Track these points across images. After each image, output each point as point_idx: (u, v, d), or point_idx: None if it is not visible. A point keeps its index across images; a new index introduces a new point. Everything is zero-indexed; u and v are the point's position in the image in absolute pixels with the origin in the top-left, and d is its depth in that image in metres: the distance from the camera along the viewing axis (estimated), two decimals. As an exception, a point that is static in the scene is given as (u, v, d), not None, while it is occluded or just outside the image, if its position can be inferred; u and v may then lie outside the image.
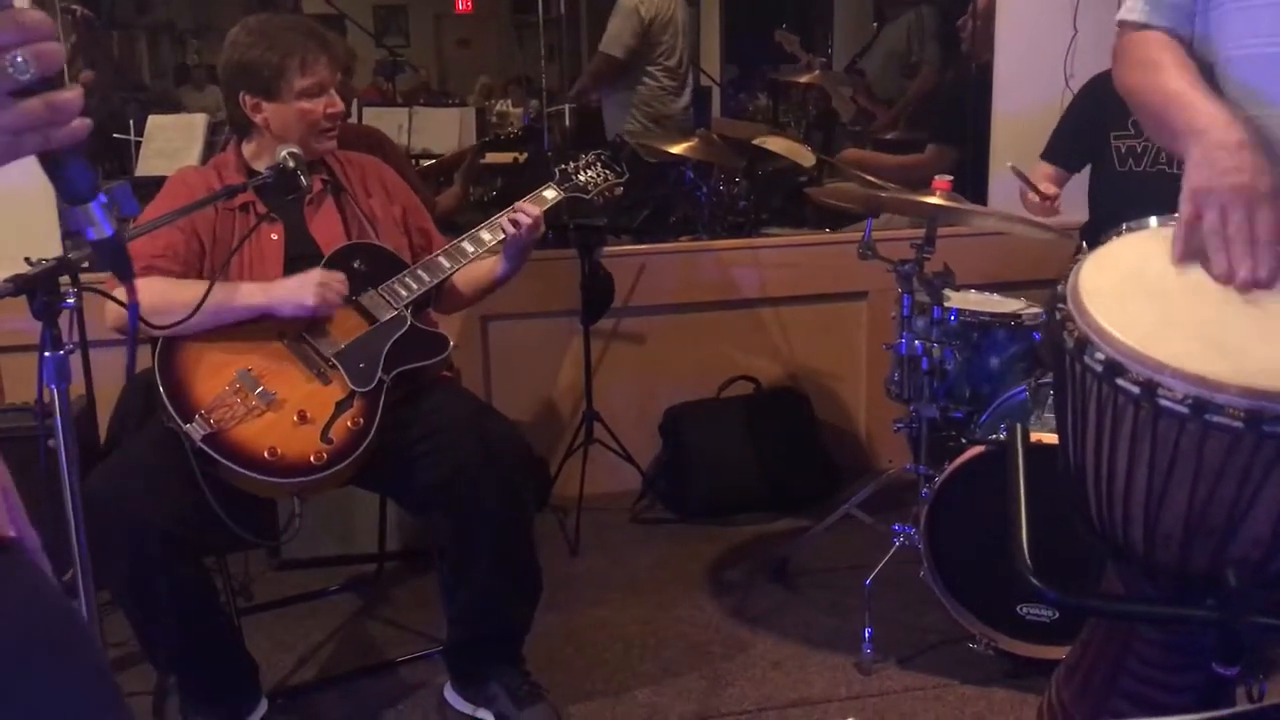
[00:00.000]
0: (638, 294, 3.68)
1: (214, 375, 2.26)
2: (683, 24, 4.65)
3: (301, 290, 2.30)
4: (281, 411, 2.24)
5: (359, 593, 3.14)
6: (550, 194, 2.66)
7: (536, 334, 3.67)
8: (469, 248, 2.53)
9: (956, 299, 2.97)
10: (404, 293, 2.43)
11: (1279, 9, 1.53)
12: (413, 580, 3.18)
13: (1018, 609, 2.57)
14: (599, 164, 2.77)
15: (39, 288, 1.70)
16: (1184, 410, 1.25)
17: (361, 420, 2.27)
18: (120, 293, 2.25)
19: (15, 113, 0.95)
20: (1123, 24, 1.72)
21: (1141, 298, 1.38)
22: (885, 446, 3.88)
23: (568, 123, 5.02)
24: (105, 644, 2.69)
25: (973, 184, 3.90)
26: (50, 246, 3.25)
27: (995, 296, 3.13)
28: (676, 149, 4.00)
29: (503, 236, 2.53)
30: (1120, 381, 1.30)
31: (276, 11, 4.13)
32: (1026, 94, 3.76)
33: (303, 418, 2.24)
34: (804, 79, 5.25)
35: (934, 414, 2.84)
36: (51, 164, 1.04)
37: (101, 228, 1.12)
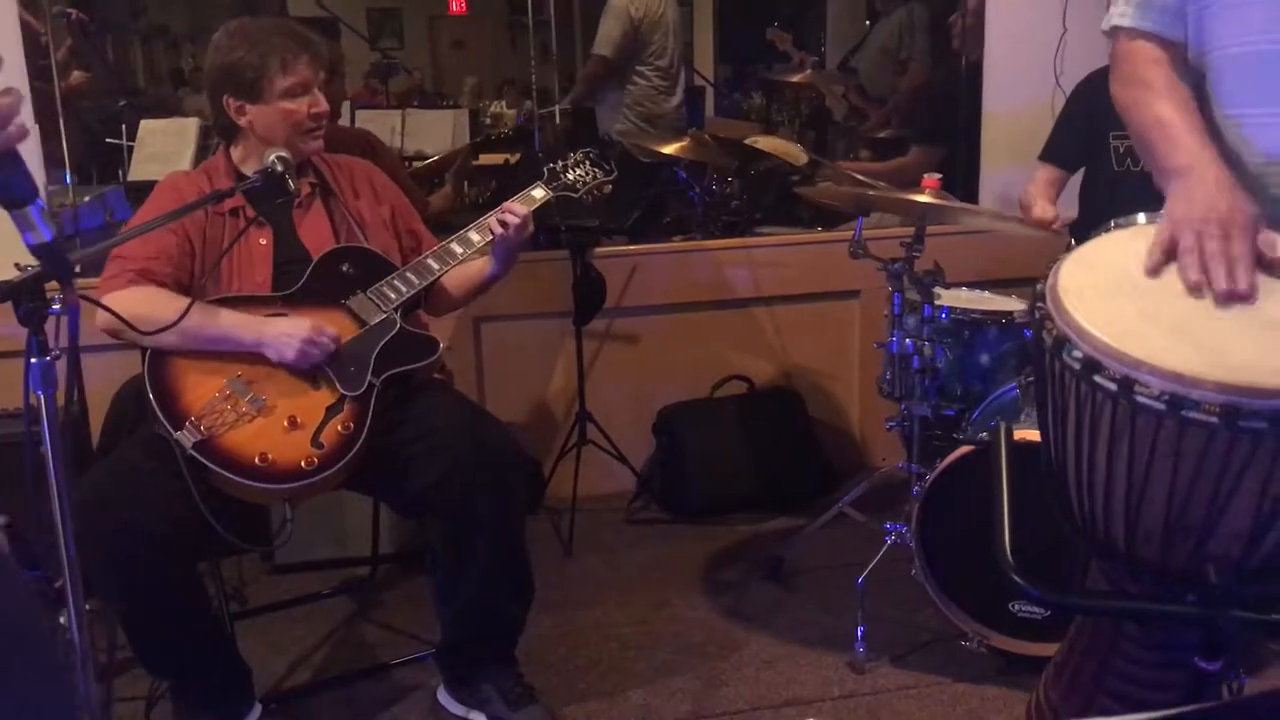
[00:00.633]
0: (630, 294, 3.68)
1: (204, 382, 2.26)
2: (673, 24, 4.66)
3: (286, 343, 2.28)
4: (272, 417, 2.25)
5: (352, 596, 3.14)
6: (538, 193, 2.66)
7: (529, 335, 3.67)
8: (458, 249, 2.53)
9: (947, 297, 2.98)
10: (393, 295, 2.44)
11: (1267, 7, 1.54)
12: (406, 583, 3.19)
13: (1010, 606, 2.58)
14: (587, 162, 2.77)
15: (24, 294, 1.70)
16: (1161, 406, 1.26)
17: (352, 424, 2.28)
18: (108, 299, 2.27)
19: None
20: (1114, 30, 1.72)
21: (1120, 295, 1.39)
22: (879, 445, 3.88)
23: (559, 124, 5.02)
24: (97, 649, 2.70)
25: (963, 182, 3.90)
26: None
27: (986, 294, 3.14)
28: (669, 149, 4.02)
29: (491, 237, 2.53)
30: (1098, 378, 1.31)
31: (262, 15, 4.14)
32: (1016, 93, 3.77)
33: (293, 423, 2.25)
34: (796, 78, 5.25)
35: (926, 412, 2.84)
36: None
37: (40, 231, 1.12)
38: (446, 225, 3.21)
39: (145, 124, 3.91)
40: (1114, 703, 1.63)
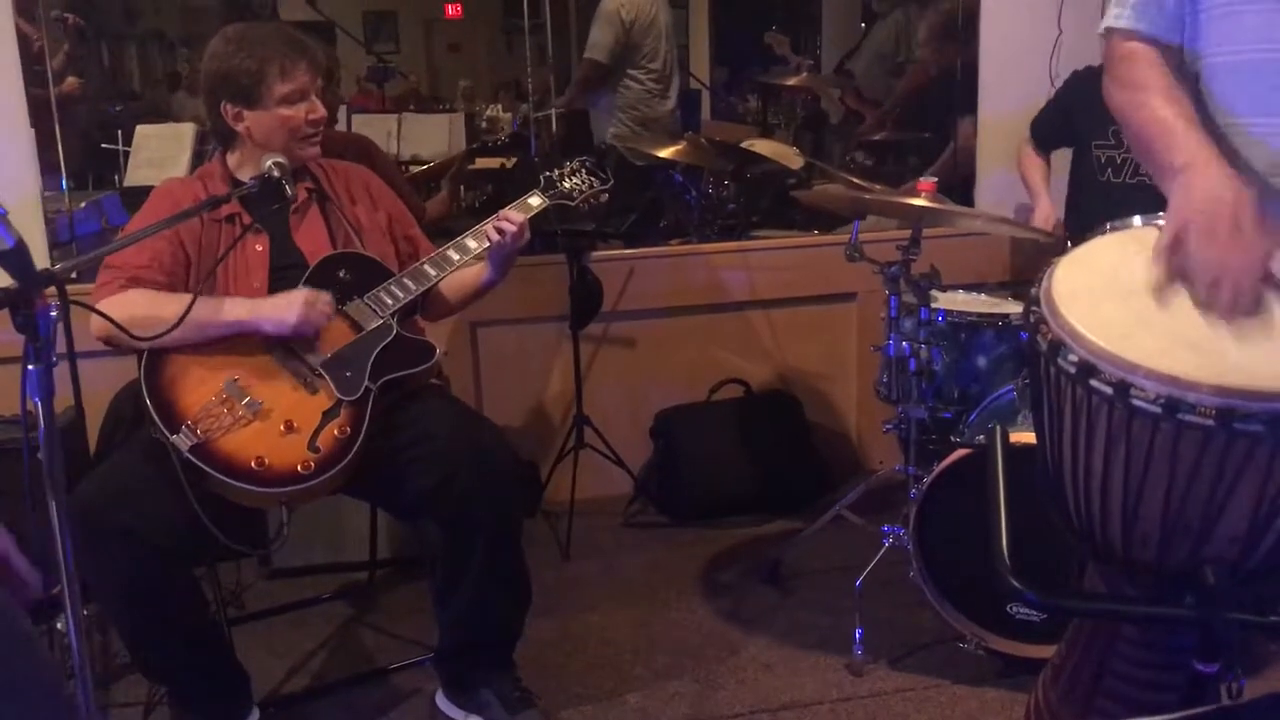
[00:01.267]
0: (627, 298, 3.69)
1: (201, 385, 2.26)
2: (665, 27, 4.66)
3: (285, 308, 2.30)
4: (268, 421, 2.25)
5: (350, 601, 3.14)
6: (535, 201, 2.67)
7: (526, 340, 3.67)
8: (455, 255, 2.53)
9: (944, 300, 2.98)
10: (390, 301, 2.44)
11: (1261, 15, 1.53)
12: (404, 587, 3.19)
13: (1008, 609, 2.58)
14: (584, 170, 2.77)
15: (20, 301, 1.70)
16: (1157, 410, 1.26)
17: (348, 429, 2.28)
18: (104, 306, 2.27)
19: None
20: (1110, 31, 1.71)
21: (1114, 299, 1.39)
22: (876, 447, 3.88)
23: (554, 128, 5.02)
24: (95, 655, 2.70)
25: (959, 185, 3.90)
26: (38, 258, 3.25)
27: (982, 296, 3.15)
28: (665, 152, 4.02)
29: (488, 244, 2.54)
30: (1093, 383, 1.31)
31: (256, 19, 4.14)
32: (1011, 95, 3.77)
33: (290, 427, 2.25)
34: (792, 81, 5.25)
35: (922, 415, 2.85)
36: None
37: (2, 239, 1.13)
38: (443, 231, 3.21)
39: (141, 129, 3.90)
40: (1112, 704, 1.63)
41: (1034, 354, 1.44)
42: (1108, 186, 3.08)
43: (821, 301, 3.85)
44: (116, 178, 3.95)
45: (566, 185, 2.73)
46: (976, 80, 3.88)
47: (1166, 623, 1.47)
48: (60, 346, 1.73)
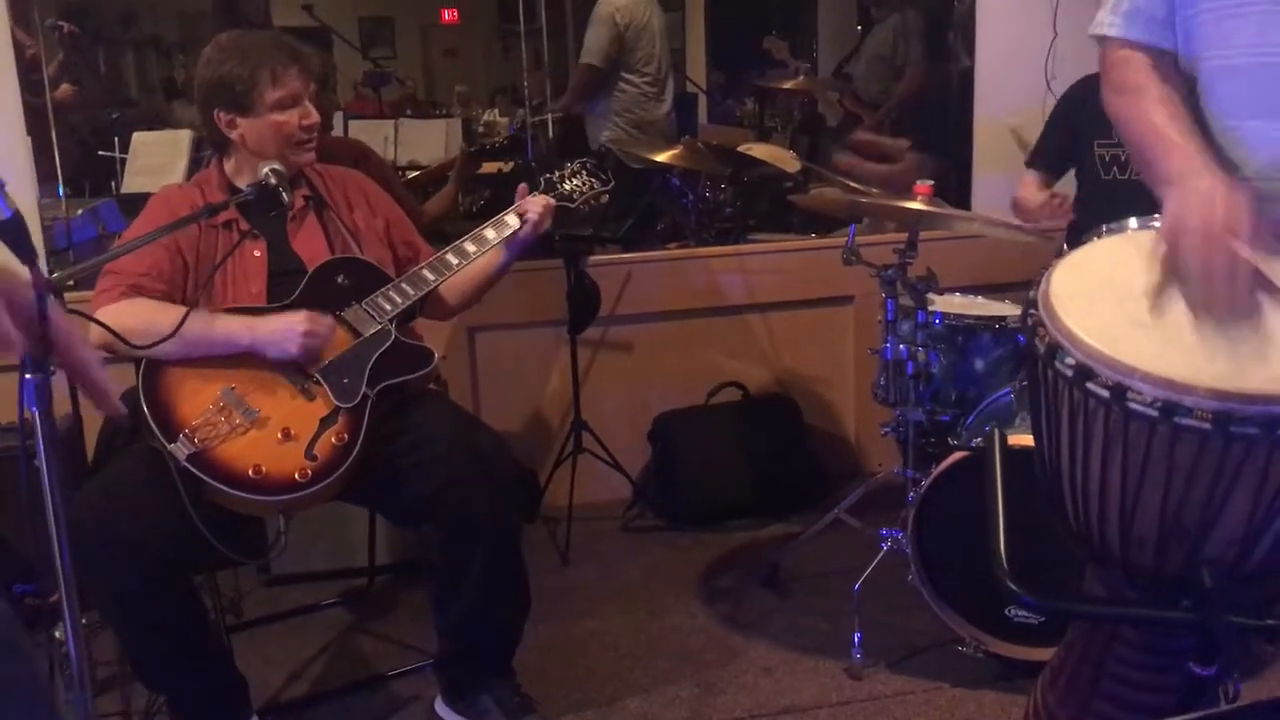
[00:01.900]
0: (624, 302, 3.68)
1: (198, 394, 2.26)
2: (659, 31, 4.67)
3: (286, 338, 2.29)
4: (266, 429, 2.25)
5: (349, 607, 3.13)
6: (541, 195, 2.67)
7: (524, 344, 3.67)
8: (454, 260, 2.53)
9: (941, 302, 2.98)
10: (388, 306, 2.43)
11: (1257, 19, 1.53)
12: (403, 594, 3.18)
13: (1006, 611, 2.58)
14: (584, 172, 2.77)
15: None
16: (1153, 413, 1.26)
17: (346, 436, 2.28)
18: (103, 313, 2.27)
19: None
20: (1101, 39, 1.72)
21: (1111, 302, 1.39)
22: (875, 450, 3.88)
23: (550, 133, 5.03)
24: (94, 663, 2.69)
25: (956, 188, 3.91)
26: (35, 266, 3.26)
27: (979, 299, 3.15)
28: (661, 157, 4.03)
29: (487, 247, 2.54)
30: (1090, 386, 1.31)
31: (251, 26, 4.15)
32: (1008, 98, 3.77)
33: (287, 435, 2.24)
34: (790, 84, 5.26)
35: (920, 418, 2.85)
36: None
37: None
38: (440, 234, 3.22)
39: (138, 136, 3.91)
40: (1110, 707, 1.63)
41: (1031, 357, 1.44)
42: (1113, 184, 3.07)
43: (819, 305, 3.85)
44: (114, 185, 3.95)
45: (567, 187, 2.73)
46: (973, 83, 3.88)
47: (1163, 625, 1.48)
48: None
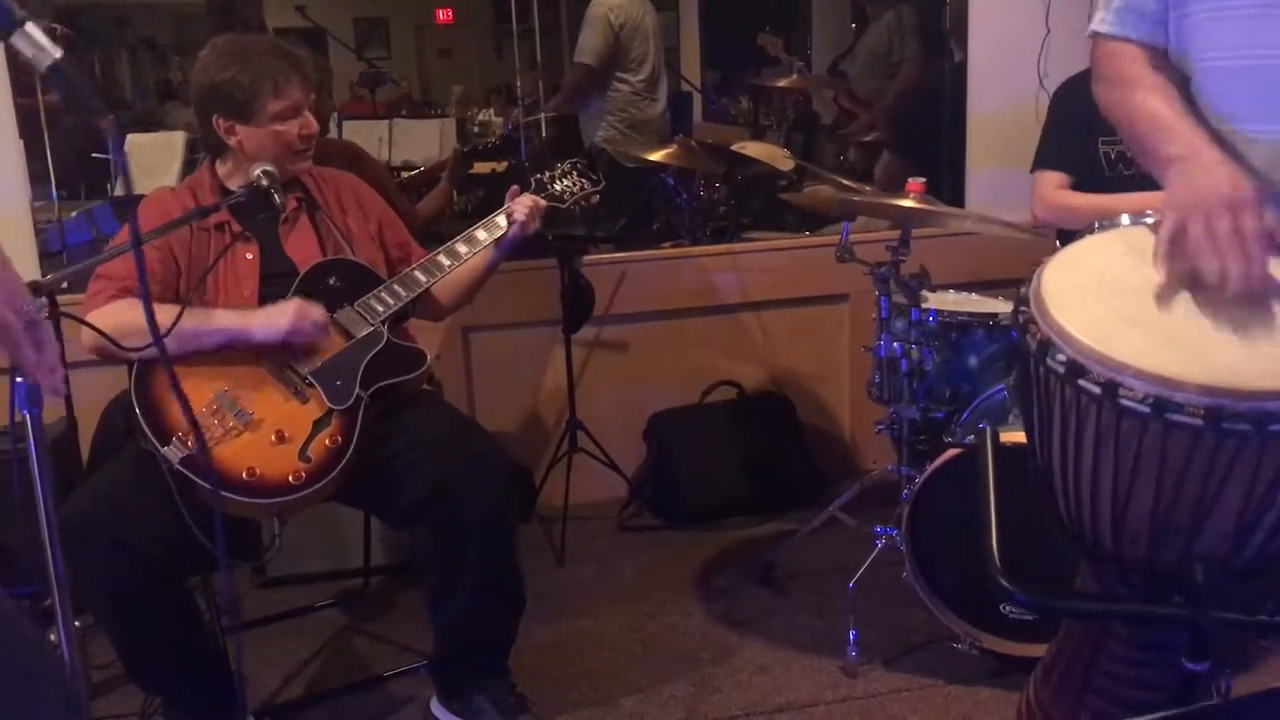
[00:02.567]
0: (619, 302, 3.68)
1: (191, 397, 2.23)
2: (653, 30, 4.66)
3: (278, 314, 2.29)
4: (259, 431, 2.24)
5: (345, 608, 3.13)
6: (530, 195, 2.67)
7: (518, 344, 3.67)
8: (445, 261, 2.53)
9: (934, 300, 2.98)
10: (380, 308, 2.43)
11: (1249, 20, 1.53)
12: (399, 595, 3.18)
13: (1001, 608, 2.58)
14: (574, 173, 2.77)
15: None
16: (1145, 410, 1.26)
17: (340, 438, 2.27)
18: (94, 316, 2.27)
19: None
20: (1095, 35, 1.73)
21: (1103, 298, 1.40)
22: (870, 448, 3.88)
23: (544, 133, 5.02)
24: (89, 666, 2.69)
25: (950, 186, 3.91)
26: (28, 270, 3.26)
27: (973, 296, 3.15)
28: (655, 156, 4.03)
29: (479, 248, 2.54)
30: (1082, 383, 1.31)
31: (245, 28, 4.14)
32: (1001, 94, 3.77)
33: (280, 437, 2.24)
34: (784, 82, 5.26)
35: (914, 415, 2.85)
36: None
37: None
38: (434, 235, 3.21)
39: (132, 138, 3.91)
40: (1103, 703, 1.64)
41: (1023, 354, 1.44)
42: (1116, 181, 3.06)
43: (813, 303, 3.85)
44: (109, 187, 3.95)
45: (557, 188, 2.73)
46: (966, 80, 3.87)
47: (1155, 622, 1.48)
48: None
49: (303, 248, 2.49)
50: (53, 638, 2.19)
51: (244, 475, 2.18)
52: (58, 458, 2.64)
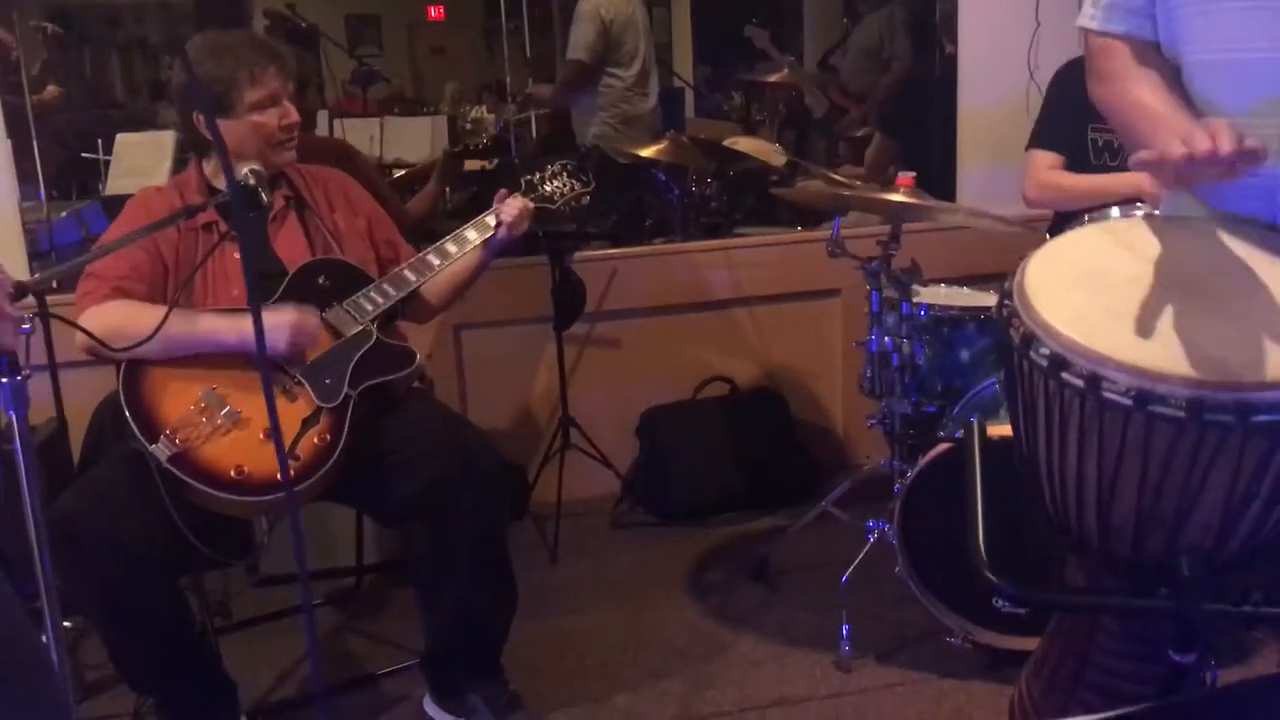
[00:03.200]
0: (610, 298, 3.68)
1: (179, 395, 2.25)
2: (644, 26, 4.66)
3: (274, 336, 2.26)
4: (248, 430, 2.24)
5: (338, 606, 3.13)
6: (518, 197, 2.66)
7: (510, 342, 3.67)
8: (435, 261, 2.52)
9: (926, 294, 2.98)
10: (369, 307, 2.43)
11: (1236, 14, 1.53)
12: (391, 593, 3.18)
13: (993, 602, 2.57)
14: (565, 174, 2.76)
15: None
16: (1128, 402, 1.26)
17: (329, 436, 2.27)
18: (86, 316, 2.26)
19: None
20: (1084, 30, 1.73)
21: (1086, 291, 1.40)
22: (863, 442, 3.87)
23: (535, 131, 5.02)
24: (81, 667, 2.69)
25: (941, 179, 3.90)
26: (17, 270, 3.25)
27: (964, 290, 3.14)
28: (647, 152, 4.03)
29: (468, 248, 2.54)
30: (1065, 375, 1.31)
31: (237, 27, 4.13)
32: (991, 89, 3.77)
33: (269, 435, 2.24)
34: (775, 77, 5.26)
35: (906, 409, 2.85)
36: None
37: None
38: (427, 233, 3.21)
39: (121, 138, 3.89)
40: (1093, 696, 1.64)
41: (1007, 348, 1.44)
42: (1102, 170, 3.05)
43: (805, 298, 3.85)
44: (101, 187, 3.94)
45: (548, 189, 2.73)
46: (956, 73, 3.87)
47: (1141, 614, 1.48)
48: (33, 359, 1.73)
49: (291, 247, 2.48)
50: (43, 638, 2.20)
51: (232, 473, 2.18)
52: (48, 459, 2.65)
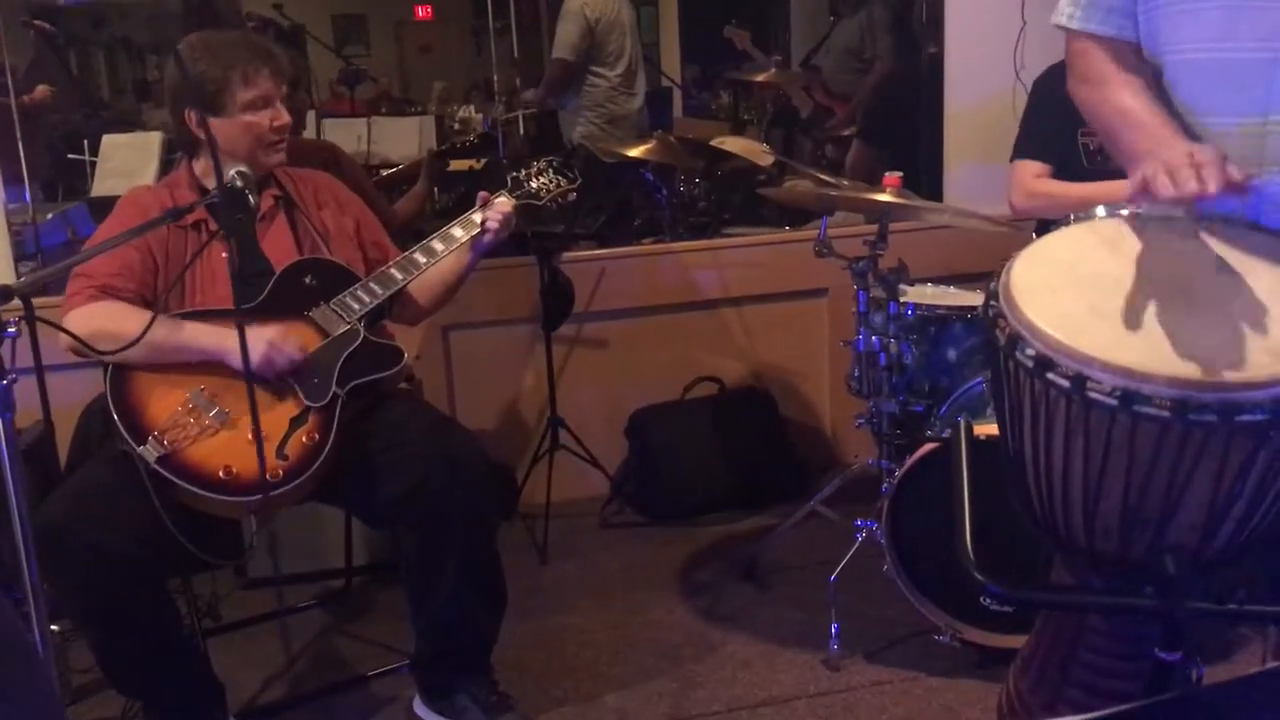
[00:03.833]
0: (599, 299, 3.68)
1: (167, 396, 2.25)
2: (630, 25, 4.67)
3: (252, 349, 2.24)
4: (236, 430, 2.24)
5: (327, 608, 3.12)
6: (501, 200, 2.66)
7: (498, 342, 3.66)
8: (421, 259, 2.52)
9: (913, 293, 2.99)
10: (356, 306, 2.42)
11: (1217, 13, 1.53)
12: (381, 594, 3.17)
13: (981, 600, 2.59)
14: (551, 170, 2.76)
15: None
16: (1113, 402, 1.27)
17: (317, 435, 2.27)
18: (72, 317, 2.26)
19: None
20: (1063, 30, 1.73)
21: (1072, 292, 1.40)
22: (851, 442, 3.88)
23: (521, 130, 5.02)
24: (68, 670, 2.68)
25: (928, 179, 3.92)
26: (3, 272, 3.24)
27: (951, 289, 3.15)
28: (634, 151, 4.03)
29: (454, 246, 2.54)
30: (1051, 376, 1.32)
31: (226, 27, 4.12)
32: (977, 88, 3.78)
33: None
34: (761, 77, 5.27)
35: (894, 409, 2.85)
36: None
37: None
38: (415, 233, 3.20)
39: (108, 138, 3.87)
40: (1080, 693, 1.64)
41: (993, 348, 1.45)
42: (1095, 173, 3.06)
43: (793, 298, 3.85)
44: (87, 189, 3.92)
45: (534, 185, 2.73)
46: (942, 74, 3.88)
47: (1127, 613, 1.48)
48: (20, 362, 1.72)
49: (279, 246, 2.48)
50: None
51: (220, 474, 2.18)
52: (35, 462, 2.63)
